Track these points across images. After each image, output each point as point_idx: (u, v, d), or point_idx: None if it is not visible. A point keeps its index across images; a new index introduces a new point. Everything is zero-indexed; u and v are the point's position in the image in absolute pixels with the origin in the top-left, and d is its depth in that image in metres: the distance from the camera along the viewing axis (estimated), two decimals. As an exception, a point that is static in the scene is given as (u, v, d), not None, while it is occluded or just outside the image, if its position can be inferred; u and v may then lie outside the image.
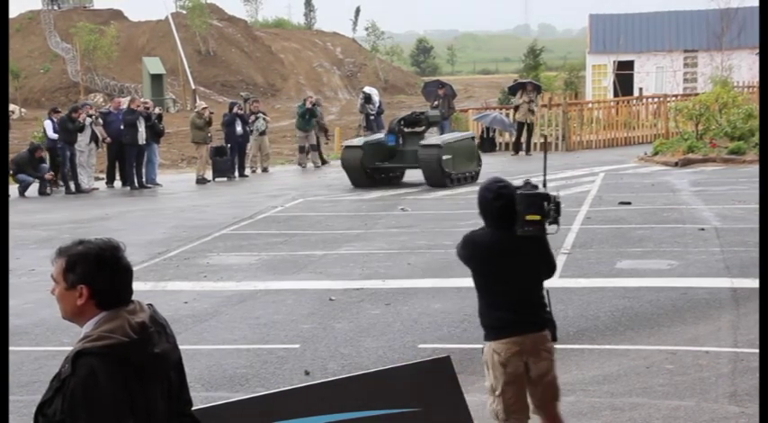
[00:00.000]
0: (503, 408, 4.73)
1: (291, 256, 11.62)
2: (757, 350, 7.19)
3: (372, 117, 22.69)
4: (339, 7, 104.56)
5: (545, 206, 4.54)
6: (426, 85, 28.12)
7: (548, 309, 4.78)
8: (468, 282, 9.93)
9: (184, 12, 65.71)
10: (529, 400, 4.80)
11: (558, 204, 4.60)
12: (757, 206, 13.97)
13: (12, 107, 46.10)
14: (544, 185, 4.70)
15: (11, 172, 18.88)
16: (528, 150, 23.70)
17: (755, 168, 19.31)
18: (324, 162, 22.82)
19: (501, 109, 27.20)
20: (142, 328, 2.87)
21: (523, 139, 23.77)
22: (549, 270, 4.83)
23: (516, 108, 24.17)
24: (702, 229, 12.25)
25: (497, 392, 4.73)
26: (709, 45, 36.87)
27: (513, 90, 25.37)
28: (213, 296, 9.64)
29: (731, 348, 7.34)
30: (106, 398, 2.73)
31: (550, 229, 4.63)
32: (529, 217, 4.52)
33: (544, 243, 4.76)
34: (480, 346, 7.60)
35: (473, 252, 4.75)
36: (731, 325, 7.99)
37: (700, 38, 37.75)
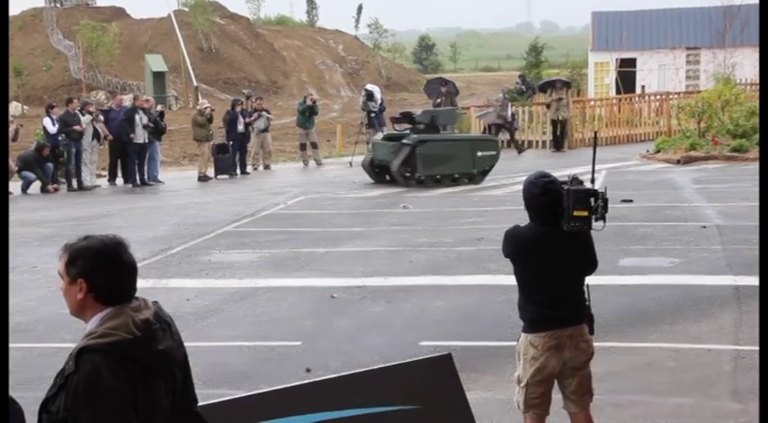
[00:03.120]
0: (524, 400, 4.80)
1: (293, 253, 11.62)
2: (759, 348, 7.20)
3: (374, 114, 22.67)
4: (341, 5, 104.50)
5: (593, 202, 4.57)
6: (429, 83, 28.16)
7: (587, 303, 4.80)
8: (470, 279, 10.01)
9: (187, 9, 65.71)
10: (561, 393, 4.84)
11: (606, 200, 4.63)
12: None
13: (14, 104, 46.13)
14: (592, 181, 4.72)
15: (16, 169, 18.91)
16: (558, 147, 23.79)
17: (758, 166, 19.30)
18: (318, 162, 22.74)
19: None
20: (146, 325, 2.86)
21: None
22: (591, 266, 4.85)
23: (548, 106, 24.27)
24: (704, 227, 12.24)
25: (522, 384, 4.80)
26: (712, 42, 36.80)
27: (543, 88, 25.52)
28: (215, 293, 9.64)
29: (733, 346, 7.33)
30: (109, 395, 2.73)
31: (596, 225, 4.66)
32: (577, 212, 4.56)
33: (588, 239, 4.78)
34: (483, 343, 7.64)
35: (515, 246, 4.78)
36: (733, 322, 7.99)
37: (702, 35, 37.69)
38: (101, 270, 2.88)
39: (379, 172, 18.42)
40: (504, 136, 23.87)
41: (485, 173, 18.21)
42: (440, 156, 17.77)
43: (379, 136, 18.98)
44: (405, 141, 17.88)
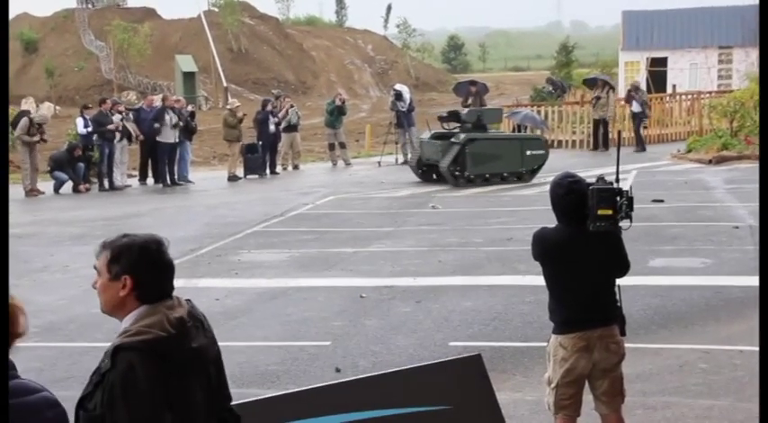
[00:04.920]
0: (554, 401, 4.79)
1: (322, 253, 11.65)
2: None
3: (403, 114, 22.66)
4: (370, 4, 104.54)
5: (617, 201, 4.53)
6: (458, 84, 28.11)
7: (618, 305, 4.77)
8: (499, 280, 9.98)
9: (216, 10, 66.06)
10: (592, 395, 4.82)
11: (630, 199, 4.58)
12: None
13: (47, 105, 46.59)
14: (617, 181, 4.69)
15: (48, 169, 19.11)
16: (597, 146, 23.75)
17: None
18: (346, 162, 22.77)
19: (532, 106, 27.10)
20: (180, 323, 2.89)
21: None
22: (622, 268, 4.80)
23: (593, 104, 24.29)
24: (737, 228, 12.12)
25: (552, 385, 4.78)
26: (745, 41, 36.40)
27: (589, 84, 25.63)
28: (244, 293, 9.69)
29: (766, 348, 7.25)
30: (145, 392, 2.76)
31: (622, 224, 4.61)
32: (601, 212, 4.52)
33: (617, 240, 4.72)
34: (512, 344, 7.62)
35: (542, 248, 4.77)
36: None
37: (735, 34, 37.31)
38: (145, 267, 2.92)
39: (426, 171, 18.53)
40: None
41: (534, 172, 18.17)
42: (489, 154, 17.82)
43: (427, 135, 19.07)
44: (454, 140, 17.98)
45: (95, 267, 2.99)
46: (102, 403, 2.78)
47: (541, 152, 18.33)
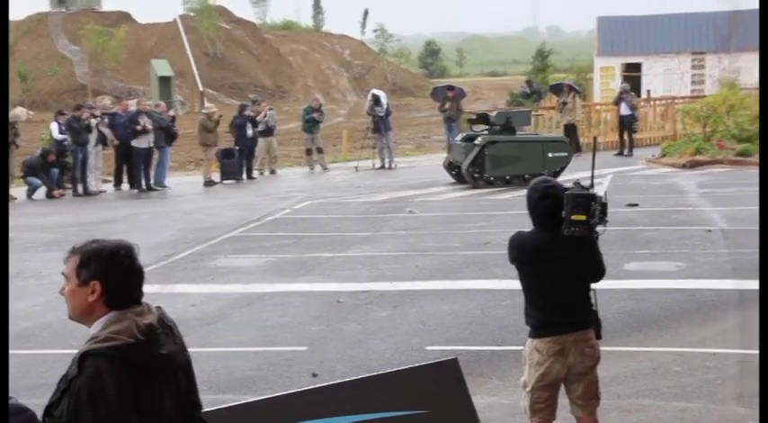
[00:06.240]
0: (529, 405, 4.82)
1: (299, 258, 11.64)
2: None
3: (380, 119, 22.70)
4: (347, 9, 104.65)
5: (592, 206, 4.56)
6: (435, 89, 28.18)
7: (594, 309, 4.80)
8: (476, 284, 10.00)
9: (192, 14, 65.81)
10: (568, 398, 4.85)
11: (604, 205, 4.61)
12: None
13: (20, 109, 46.19)
14: (591, 186, 4.72)
15: (21, 174, 18.96)
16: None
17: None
18: (324, 167, 22.73)
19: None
20: (149, 329, 2.87)
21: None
22: (598, 273, 4.82)
23: (560, 110, 24.38)
24: (710, 231, 12.24)
25: (528, 389, 4.81)
26: (717, 47, 36.78)
27: (555, 91, 25.67)
28: (221, 298, 9.66)
29: (738, 350, 7.34)
30: (112, 399, 2.74)
31: (598, 229, 4.64)
32: (575, 217, 4.55)
33: (592, 244, 4.75)
34: (488, 347, 7.64)
35: (518, 252, 4.79)
36: (738, 327, 7.99)
37: (708, 40, 37.66)
38: (115, 273, 2.90)
39: (457, 173, 18.71)
40: None
41: (556, 174, 18.17)
42: (509, 156, 17.92)
43: (459, 137, 19.24)
44: (475, 142, 18.16)
45: (63, 273, 2.96)
46: (69, 410, 2.76)
47: (564, 154, 18.32)
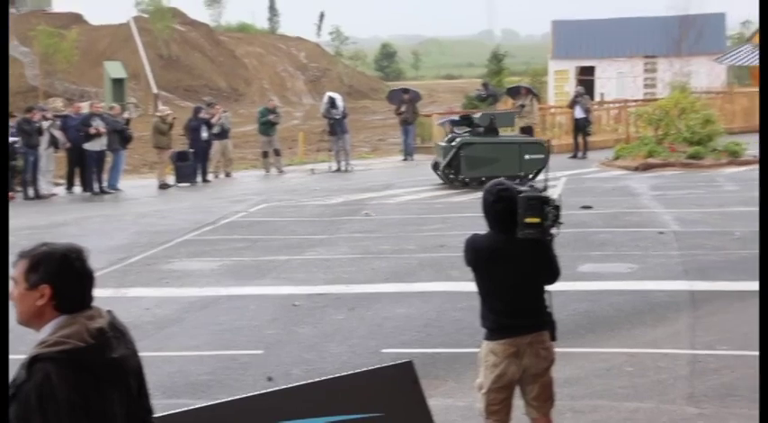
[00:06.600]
0: (484, 407, 4.84)
1: (255, 261, 11.59)
2: (714, 352, 7.32)
3: (335, 121, 22.69)
4: (303, 12, 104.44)
5: (545, 209, 4.60)
6: (391, 92, 28.24)
7: (548, 310, 4.84)
8: (432, 286, 10.04)
9: (146, 16, 65.19)
10: (523, 400, 4.88)
11: (557, 207, 4.64)
12: (715, 210, 14.22)
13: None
14: (545, 189, 4.76)
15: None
16: None
17: (713, 173, 19.63)
18: (279, 170, 22.63)
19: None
20: (100, 333, 2.84)
21: None
22: (552, 275, 4.85)
23: (518, 113, 24.51)
24: (662, 233, 12.41)
25: (483, 391, 4.83)
26: (668, 51, 37.34)
27: (511, 94, 25.79)
28: (175, 302, 9.58)
29: (689, 350, 7.45)
30: (61, 403, 2.70)
31: (553, 231, 4.67)
32: (528, 219, 4.58)
33: (547, 247, 4.78)
34: (444, 350, 7.67)
35: (473, 255, 4.81)
36: (689, 327, 8.11)
37: (659, 44, 38.22)
38: (65, 276, 2.86)
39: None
40: None
41: (534, 176, 18.29)
42: (485, 158, 17.97)
43: (445, 138, 19.31)
44: (452, 143, 18.27)
45: (12, 277, 2.92)
46: (17, 416, 2.72)
47: (541, 156, 18.27)
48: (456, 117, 25.03)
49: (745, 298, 9.02)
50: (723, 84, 37.37)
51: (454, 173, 18.13)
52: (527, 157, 18.12)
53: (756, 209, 14.52)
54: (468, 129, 18.71)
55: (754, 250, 11.10)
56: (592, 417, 6.14)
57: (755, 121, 30.82)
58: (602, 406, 6.32)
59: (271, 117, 22.55)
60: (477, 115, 19.54)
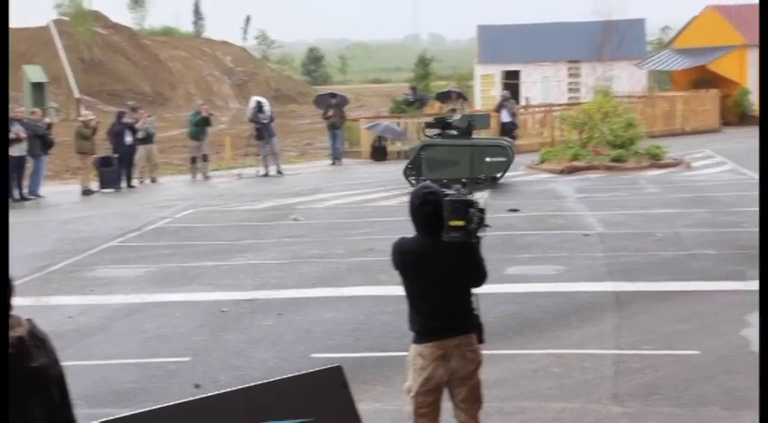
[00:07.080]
0: (414, 410, 4.85)
1: (181, 267, 11.43)
2: (638, 352, 7.47)
3: (263, 126, 22.55)
4: (228, 16, 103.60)
5: (470, 212, 4.62)
6: (318, 97, 28.21)
7: (476, 313, 4.86)
8: (360, 290, 10.04)
9: (67, 19, 63.89)
10: (452, 402, 4.89)
11: (482, 210, 4.67)
12: (638, 212, 14.53)
13: None
14: (469, 192, 4.77)
15: None
16: None
17: (636, 175, 20.07)
18: (205, 175, 22.36)
19: (392, 118, 27.44)
20: (19, 342, 2.79)
21: None
22: (479, 278, 4.86)
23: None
24: (587, 235, 12.62)
25: (412, 394, 4.84)
26: (591, 56, 38.02)
27: (441, 98, 25.90)
28: (100, 310, 9.40)
29: (614, 350, 7.58)
30: None
31: (479, 234, 4.69)
32: (453, 223, 4.59)
33: (473, 249, 4.79)
34: (373, 354, 7.67)
35: (400, 258, 4.81)
36: (614, 328, 8.26)
37: (583, 49, 38.87)
38: None
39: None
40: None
41: (495, 178, 18.33)
42: (445, 160, 18.05)
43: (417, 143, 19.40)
44: (414, 145, 18.47)
45: None
46: None
47: (502, 159, 18.38)
48: (386, 122, 25.16)
49: (667, 298, 9.24)
50: (644, 88, 38.25)
51: (416, 175, 18.17)
52: (488, 159, 18.24)
53: (677, 211, 14.92)
54: (440, 131, 18.82)
55: (675, 251, 11.40)
56: (519, 417, 6.21)
57: (676, 124, 31.71)
58: (529, 407, 6.39)
59: (206, 115, 22.31)
60: (455, 117, 19.71)
